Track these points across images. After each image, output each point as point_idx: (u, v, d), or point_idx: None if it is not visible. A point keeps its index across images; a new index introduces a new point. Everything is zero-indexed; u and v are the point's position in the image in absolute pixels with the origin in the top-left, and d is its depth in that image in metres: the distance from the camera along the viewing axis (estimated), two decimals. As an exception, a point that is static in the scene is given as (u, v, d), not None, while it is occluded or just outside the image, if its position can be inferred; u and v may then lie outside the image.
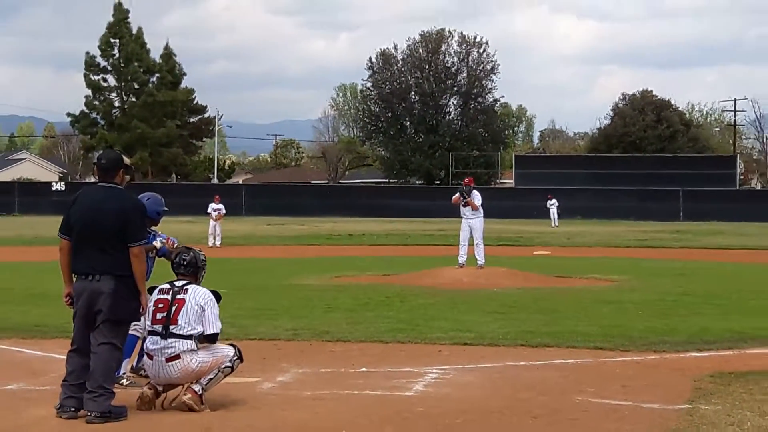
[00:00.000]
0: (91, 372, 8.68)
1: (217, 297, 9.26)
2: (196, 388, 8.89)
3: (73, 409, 8.63)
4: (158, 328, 9.01)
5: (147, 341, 9.14)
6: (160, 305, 9.08)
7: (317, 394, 9.73)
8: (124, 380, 10.04)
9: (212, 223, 38.15)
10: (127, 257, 8.77)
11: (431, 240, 42.51)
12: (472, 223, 23.70)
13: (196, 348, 9.01)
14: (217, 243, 37.30)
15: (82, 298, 8.82)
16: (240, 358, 9.20)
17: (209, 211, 38.87)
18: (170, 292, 9.13)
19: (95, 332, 8.76)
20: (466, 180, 25.06)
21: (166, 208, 10.68)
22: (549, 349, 12.65)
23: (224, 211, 39.31)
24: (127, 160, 9.48)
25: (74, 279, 8.95)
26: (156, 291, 9.22)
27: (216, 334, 9.12)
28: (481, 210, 23.84)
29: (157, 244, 10.37)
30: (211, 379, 8.95)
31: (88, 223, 8.85)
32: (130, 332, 9.91)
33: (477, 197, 23.78)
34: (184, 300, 9.07)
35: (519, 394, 9.74)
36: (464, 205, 23.82)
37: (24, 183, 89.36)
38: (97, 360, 8.69)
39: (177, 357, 8.91)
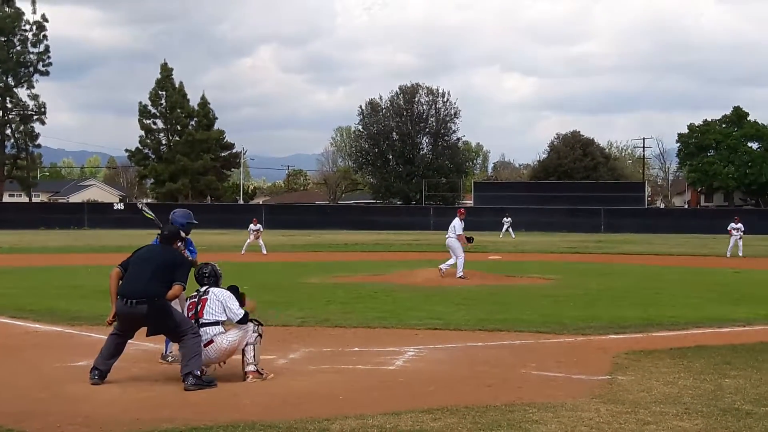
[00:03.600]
0: (181, 360, 8.75)
1: (235, 290, 9.31)
2: (251, 368, 8.96)
3: (97, 376, 8.71)
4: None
5: None
6: (191, 307, 9.18)
7: (320, 368, 9.72)
8: (170, 358, 10.01)
9: (251, 238, 36.98)
10: (163, 290, 8.80)
11: (409, 248, 42.47)
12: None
13: (224, 330, 9.05)
14: (264, 251, 35.96)
15: (125, 316, 8.83)
16: (261, 324, 9.27)
17: (249, 230, 37.76)
18: (197, 297, 9.24)
19: (169, 337, 9.07)
20: (461, 210, 23.52)
21: (194, 221, 10.54)
22: (500, 332, 12.65)
23: (262, 230, 38.37)
24: (183, 234, 9.78)
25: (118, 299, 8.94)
26: (188, 300, 9.34)
27: (244, 317, 9.09)
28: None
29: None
30: (253, 354, 8.99)
31: (145, 260, 8.98)
32: None
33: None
34: (207, 298, 9.15)
35: (477, 368, 9.74)
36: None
37: (92, 204, 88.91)
38: (184, 351, 8.77)
39: (211, 342, 8.94)
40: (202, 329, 8.96)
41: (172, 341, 9.17)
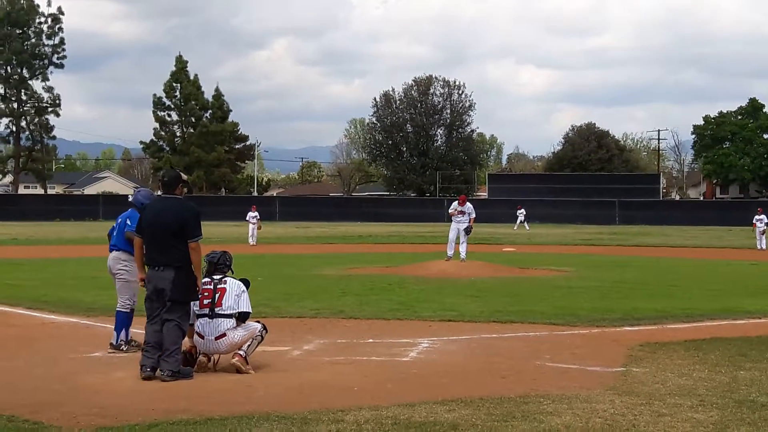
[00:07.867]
0: (163, 342, 8.74)
1: (247, 284, 9.34)
2: (241, 352, 8.91)
3: (149, 369, 8.63)
4: (206, 311, 9.04)
5: (197, 324, 9.07)
6: (206, 293, 9.10)
7: (334, 359, 9.72)
8: (124, 347, 10.03)
9: (251, 227, 37.15)
10: (185, 252, 8.82)
11: (423, 240, 42.45)
12: (462, 227, 23.62)
13: (236, 325, 9.06)
14: (252, 242, 36.34)
15: (151, 283, 8.90)
16: (266, 329, 9.26)
17: (247, 218, 37.86)
18: (212, 284, 9.18)
19: (164, 311, 8.82)
20: (461, 197, 24.80)
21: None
22: (514, 324, 12.63)
23: (259, 217, 37.84)
24: (184, 177, 9.54)
25: (146, 269, 9.06)
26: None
27: (249, 313, 9.18)
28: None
29: None
30: (249, 345, 9.00)
31: (155, 226, 8.93)
32: (120, 309, 10.11)
33: (473, 211, 23.91)
34: (225, 288, 9.14)
35: (491, 359, 9.73)
36: (460, 213, 23.66)
37: (107, 195, 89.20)
38: (167, 333, 8.76)
39: (223, 335, 8.96)
40: (216, 320, 8.99)
41: (165, 315, 8.78)
